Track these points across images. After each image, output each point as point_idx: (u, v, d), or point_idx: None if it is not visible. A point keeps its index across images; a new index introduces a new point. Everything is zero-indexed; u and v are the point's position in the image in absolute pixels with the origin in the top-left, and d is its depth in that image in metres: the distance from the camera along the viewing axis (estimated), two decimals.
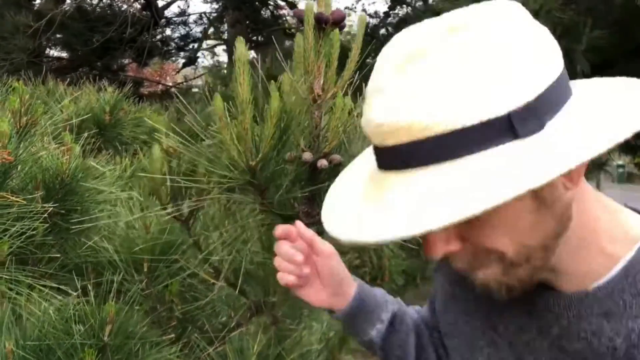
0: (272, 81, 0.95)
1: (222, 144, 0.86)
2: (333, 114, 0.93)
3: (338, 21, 0.90)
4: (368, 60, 1.04)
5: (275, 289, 1.05)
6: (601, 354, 0.63)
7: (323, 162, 0.95)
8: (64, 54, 6.76)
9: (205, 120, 1.15)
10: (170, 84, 10.77)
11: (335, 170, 0.99)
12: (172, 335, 1.15)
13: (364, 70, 0.99)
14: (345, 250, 1.40)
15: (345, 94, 0.95)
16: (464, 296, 0.80)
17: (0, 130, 1.07)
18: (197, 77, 10.35)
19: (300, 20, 0.89)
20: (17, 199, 1.12)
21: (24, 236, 1.19)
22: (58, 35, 5.28)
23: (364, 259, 2.57)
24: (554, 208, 0.61)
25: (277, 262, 0.78)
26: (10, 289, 1.14)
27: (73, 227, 1.35)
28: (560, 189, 0.59)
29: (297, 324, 1.18)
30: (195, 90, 8.24)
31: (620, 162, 15.33)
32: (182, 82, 10.07)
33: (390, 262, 3.18)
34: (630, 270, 0.63)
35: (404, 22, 4.43)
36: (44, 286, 1.17)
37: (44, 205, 1.21)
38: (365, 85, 0.95)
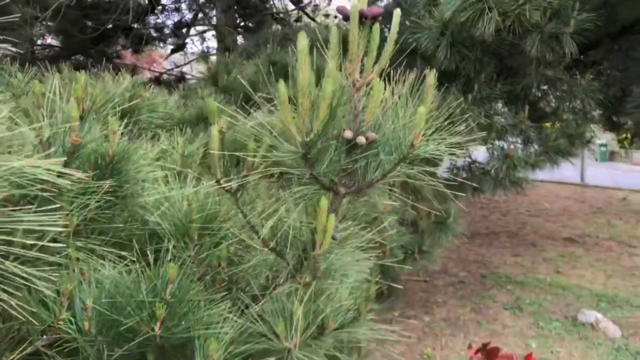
0: (326, 69, 1.10)
1: (281, 123, 1.00)
2: (371, 97, 1.08)
3: (376, 16, 1.05)
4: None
5: (318, 250, 1.20)
6: None
7: (361, 139, 1.10)
8: (57, 42, 6.80)
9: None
10: (160, 70, 10.79)
11: (370, 145, 1.15)
12: (224, 292, 1.31)
13: (398, 60, 1.14)
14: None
15: (382, 79, 1.10)
16: None
17: (72, 115, 1.20)
18: (187, 63, 10.38)
19: (346, 16, 1.04)
20: (84, 176, 1.26)
21: (87, 209, 1.34)
22: (50, 23, 5.33)
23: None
24: None
25: None
26: (79, 257, 1.28)
27: (122, 202, 1.50)
28: None
29: (330, 281, 1.34)
30: (189, 77, 8.32)
31: (603, 141, 15.67)
32: (172, 69, 10.11)
33: (391, 237, 3.36)
34: None
35: (400, 3, 4.55)
36: (109, 252, 1.32)
37: (103, 182, 1.35)
38: (397, 73, 1.13)
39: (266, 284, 1.42)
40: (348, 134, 1.11)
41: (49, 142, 1.32)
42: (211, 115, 1.19)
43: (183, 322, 1.21)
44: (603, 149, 17.02)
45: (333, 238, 1.30)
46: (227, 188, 1.25)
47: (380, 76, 1.25)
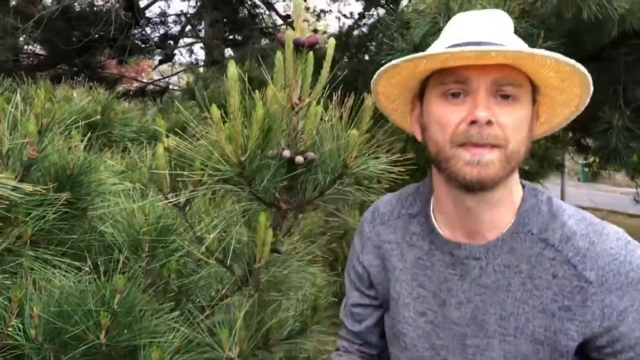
0: (257, 91, 1.16)
1: (217, 143, 1.07)
2: (308, 119, 1.15)
3: (312, 44, 1.12)
4: (339, 72, 1.26)
5: (258, 263, 1.26)
6: (511, 278, 0.91)
7: (299, 158, 1.17)
8: (42, 51, 6.85)
9: (195, 119, 1.36)
10: (146, 80, 10.86)
11: (309, 164, 1.21)
12: (172, 303, 1.36)
13: (334, 84, 1.21)
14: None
15: (318, 102, 1.17)
16: (391, 266, 1.06)
17: (29, 130, 1.26)
18: (174, 74, 10.45)
19: (282, 44, 1.11)
20: (39, 189, 1.31)
21: (42, 220, 1.39)
22: (33, 34, 5.38)
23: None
24: (531, 137, 0.96)
25: None
26: (32, 267, 1.33)
27: (81, 213, 1.55)
28: (536, 119, 0.99)
29: (276, 293, 1.40)
30: (172, 87, 8.39)
31: (585, 162, 15.82)
32: (159, 79, 10.17)
33: None
34: (522, 219, 0.97)
35: (376, 26, 4.66)
36: (61, 262, 1.37)
37: (61, 194, 1.40)
38: (334, 97, 1.21)
39: (215, 295, 1.47)
40: (286, 153, 1.17)
41: (7, 155, 1.37)
42: (159, 133, 1.25)
43: (126, 331, 1.25)
44: (586, 169, 17.23)
45: (277, 252, 1.37)
46: (174, 202, 1.31)
47: (330, 98, 1.32)
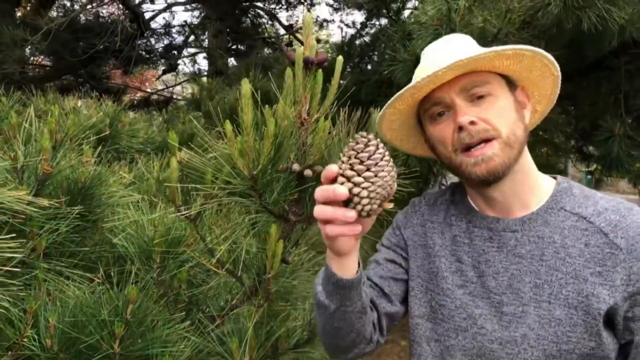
0: (267, 106, 1.20)
1: (230, 157, 1.10)
2: (316, 134, 1.18)
3: (321, 62, 1.16)
4: (341, 81, 1.30)
5: (268, 274, 1.29)
6: (545, 248, 0.96)
7: (308, 172, 1.20)
8: (48, 62, 6.91)
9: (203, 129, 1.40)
10: (150, 90, 10.91)
11: (318, 178, 1.24)
12: (183, 313, 1.39)
13: (342, 100, 1.24)
14: None
15: (326, 118, 1.20)
16: (431, 243, 1.12)
17: (43, 146, 1.30)
18: (178, 84, 10.52)
19: (292, 62, 1.14)
20: (53, 202, 1.34)
21: (55, 233, 1.42)
22: (40, 46, 5.43)
23: None
24: (522, 120, 1.06)
25: (332, 215, 0.86)
26: (46, 278, 1.36)
27: (92, 225, 1.59)
28: (523, 103, 1.10)
29: (284, 303, 1.43)
30: (176, 97, 8.44)
31: (589, 169, 15.83)
32: (162, 89, 10.24)
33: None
34: (555, 198, 1.07)
35: (378, 37, 4.70)
36: (74, 274, 1.40)
37: (73, 208, 1.44)
38: (342, 112, 1.25)
39: (225, 305, 1.50)
40: (296, 167, 1.21)
41: (22, 170, 1.41)
42: (171, 147, 1.28)
43: (139, 341, 1.28)
44: (589, 177, 17.25)
45: (286, 262, 1.40)
46: (186, 215, 1.34)
47: (337, 112, 1.36)
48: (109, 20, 5.80)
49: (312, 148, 1.21)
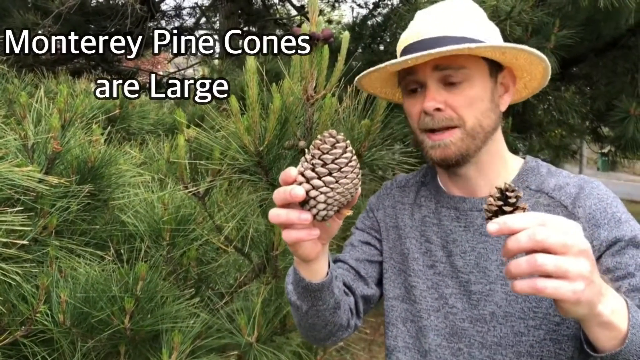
0: (274, 84, 1.19)
1: (235, 135, 1.10)
2: (323, 110, 1.17)
3: (327, 38, 1.15)
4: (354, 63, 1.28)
5: (275, 251, 1.30)
6: None
7: None
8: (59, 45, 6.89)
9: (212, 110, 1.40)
10: (162, 73, 10.91)
11: None
12: (192, 290, 1.40)
13: (348, 75, 1.23)
14: None
15: (332, 95, 1.19)
16: (402, 224, 1.12)
17: (53, 125, 1.31)
18: (190, 66, 10.51)
19: (296, 37, 1.13)
20: (63, 181, 1.36)
21: (66, 211, 1.44)
22: (51, 29, 5.43)
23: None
24: (496, 109, 1.04)
25: (286, 219, 0.80)
26: (57, 255, 1.38)
27: (103, 204, 1.60)
28: (505, 86, 1.07)
29: None
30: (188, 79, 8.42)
31: (604, 151, 15.62)
32: (174, 72, 10.23)
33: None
34: (520, 177, 1.07)
35: (390, 16, 4.65)
36: (85, 251, 1.42)
37: (82, 186, 1.45)
38: (349, 88, 1.24)
39: (233, 282, 1.51)
40: (302, 143, 1.20)
41: (32, 149, 1.42)
42: (179, 124, 1.28)
43: (149, 316, 1.30)
44: (604, 158, 17.03)
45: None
46: (194, 192, 1.34)
47: (345, 90, 1.35)
48: (120, 2, 5.78)
49: (318, 125, 1.21)
